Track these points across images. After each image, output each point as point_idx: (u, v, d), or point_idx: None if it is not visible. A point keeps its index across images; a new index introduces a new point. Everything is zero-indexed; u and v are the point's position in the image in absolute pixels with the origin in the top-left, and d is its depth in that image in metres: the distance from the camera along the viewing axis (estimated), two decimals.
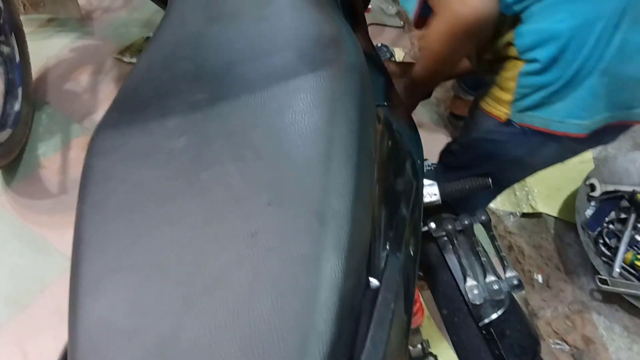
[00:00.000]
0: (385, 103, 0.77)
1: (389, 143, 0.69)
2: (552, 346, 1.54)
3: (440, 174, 1.33)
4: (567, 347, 1.53)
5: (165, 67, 0.67)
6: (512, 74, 0.96)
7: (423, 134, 2.10)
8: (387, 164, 0.63)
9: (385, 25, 2.55)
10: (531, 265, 1.70)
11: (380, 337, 0.44)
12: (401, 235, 0.61)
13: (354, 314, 0.46)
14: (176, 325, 0.44)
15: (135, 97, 0.64)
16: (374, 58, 0.95)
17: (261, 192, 0.51)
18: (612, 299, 1.62)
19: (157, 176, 0.54)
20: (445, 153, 1.32)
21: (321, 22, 0.65)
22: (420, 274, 1.03)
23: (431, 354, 0.98)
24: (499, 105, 1.02)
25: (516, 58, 0.94)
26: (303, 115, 0.54)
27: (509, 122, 1.01)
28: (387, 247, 0.56)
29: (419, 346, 0.95)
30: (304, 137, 0.53)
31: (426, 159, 1.88)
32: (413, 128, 0.84)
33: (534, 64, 0.91)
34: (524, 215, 1.81)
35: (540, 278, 1.67)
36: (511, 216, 1.79)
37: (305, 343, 0.41)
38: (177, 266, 0.47)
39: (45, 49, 2.27)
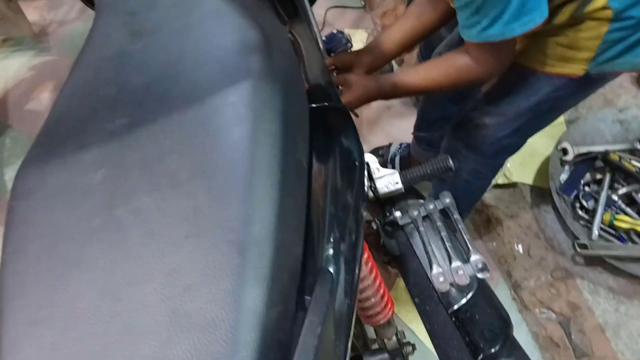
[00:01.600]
0: (326, 103, 0.75)
1: (325, 146, 0.66)
2: (539, 316, 1.54)
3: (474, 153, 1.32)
4: (553, 316, 1.53)
5: (87, 93, 0.64)
6: (595, 33, 0.97)
7: (393, 115, 2.09)
8: (323, 169, 0.61)
9: (345, 7, 2.51)
10: (511, 236, 1.70)
11: None
12: (341, 241, 0.59)
13: (280, 344, 0.44)
14: None
15: (57, 130, 0.61)
16: (315, 54, 0.92)
17: (178, 225, 0.48)
18: (594, 262, 1.61)
19: (74, 217, 0.52)
20: (471, 127, 1.29)
21: (245, 28, 0.62)
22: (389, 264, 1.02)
23: (408, 343, 0.97)
24: (573, 64, 1.03)
25: (603, 19, 0.95)
26: (222, 135, 0.52)
27: (584, 76, 1.03)
28: (323, 258, 0.54)
29: (394, 338, 0.94)
30: (224, 160, 0.51)
31: (392, 143, 1.87)
32: (351, 125, 0.82)
33: (628, 21, 0.94)
34: (499, 186, 1.80)
35: (520, 248, 1.67)
36: None
37: None
38: (93, 315, 0.45)
39: (2, 70, 2.23)
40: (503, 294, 1.60)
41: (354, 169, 0.70)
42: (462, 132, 1.32)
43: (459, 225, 0.87)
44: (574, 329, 1.49)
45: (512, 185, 1.80)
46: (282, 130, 0.53)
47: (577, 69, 1.03)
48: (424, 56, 1.87)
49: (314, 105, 0.69)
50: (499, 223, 1.73)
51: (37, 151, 0.60)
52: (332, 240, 0.57)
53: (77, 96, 0.65)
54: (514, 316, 1.49)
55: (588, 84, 1.08)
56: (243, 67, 0.57)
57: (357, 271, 0.59)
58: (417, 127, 1.72)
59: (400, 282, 1.52)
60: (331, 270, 0.53)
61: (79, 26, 2.41)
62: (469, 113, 1.29)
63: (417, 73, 1.08)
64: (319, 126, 0.65)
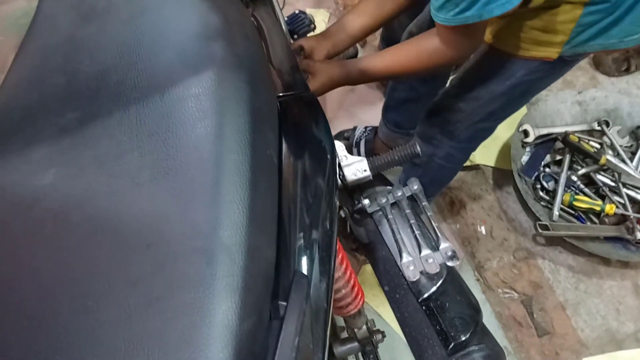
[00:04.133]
0: (292, 92, 0.71)
1: (295, 137, 0.63)
2: (502, 296, 1.56)
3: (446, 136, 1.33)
4: (516, 295, 1.56)
5: (34, 84, 0.58)
6: (570, 16, 0.96)
7: (357, 98, 2.07)
8: (294, 161, 0.58)
9: None
10: (474, 217, 1.71)
11: None
12: (314, 236, 0.56)
13: (257, 356, 0.41)
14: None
15: (2, 123, 0.56)
16: (280, 38, 0.88)
17: (139, 233, 0.44)
18: (554, 242, 1.65)
19: (22, 224, 0.47)
20: (446, 112, 1.29)
21: (205, 11, 0.58)
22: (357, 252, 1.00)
23: (378, 331, 0.97)
24: (547, 47, 1.02)
25: (578, 3, 0.94)
26: (185, 130, 0.48)
27: (558, 58, 1.04)
28: (297, 260, 0.51)
29: (364, 327, 0.93)
30: (188, 159, 0.47)
31: (357, 126, 1.85)
32: (321, 114, 0.79)
33: (602, 4, 0.93)
34: (462, 168, 1.80)
35: (483, 230, 1.69)
36: None
37: None
38: (50, 332, 0.41)
39: None
40: (467, 274, 1.62)
41: (325, 160, 0.67)
42: (436, 118, 1.33)
43: (428, 213, 0.87)
44: (536, 308, 1.52)
45: (475, 168, 1.82)
46: (250, 124, 0.50)
47: (551, 52, 1.03)
48: (386, 39, 1.85)
49: (281, 94, 0.65)
50: (462, 205, 1.74)
51: None
52: (305, 238, 0.54)
53: (22, 87, 0.59)
54: (478, 296, 1.50)
55: (561, 66, 1.09)
56: (205, 55, 0.53)
57: (332, 270, 0.56)
58: (385, 108, 1.70)
59: (367, 267, 1.52)
60: (305, 271, 0.51)
61: (21, 4, 2.28)
62: (444, 99, 1.29)
63: (385, 58, 1.05)
64: (287, 117, 0.62)
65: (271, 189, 0.51)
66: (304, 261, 0.52)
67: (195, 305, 0.40)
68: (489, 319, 1.53)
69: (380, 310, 1.51)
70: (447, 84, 1.40)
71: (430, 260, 0.78)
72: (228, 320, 0.40)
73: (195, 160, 0.47)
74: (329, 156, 0.67)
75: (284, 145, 0.57)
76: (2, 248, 0.47)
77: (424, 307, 0.78)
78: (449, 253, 0.79)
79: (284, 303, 0.45)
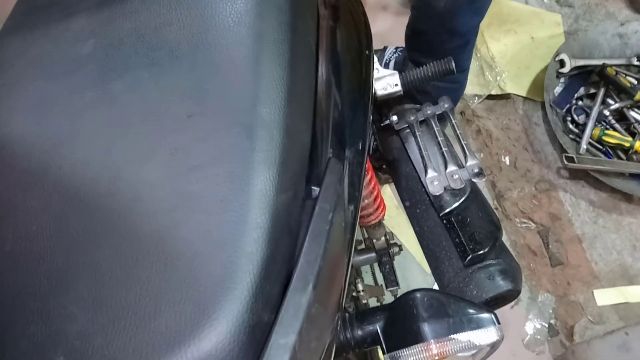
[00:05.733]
0: None
1: (333, 32, 0.62)
2: (519, 225, 1.58)
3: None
4: (533, 225, 1.57)
5: None
6: None
7: (389, 17, 2.01)
8: (331, 56, 0.58)
9: None
10: (499, 147, 1.70)
11: (314, 252, 0.41)
12: (347, 135, 0.57)
13: (290, 230, 0.43)
14: (92, 254, 0.41)
15: None
16: None
17: (180, 102, 0.45)
18: (578, 175, 1.64)
19: (63, 89, 0.48)
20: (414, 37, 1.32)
21: None
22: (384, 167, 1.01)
23: (395, 244, 0.99)
24: None
25: None
26: (225, 5, 0.47)
27: None
28: (330, 150, 0.52)
29: (383, 239, 0.95)
30: (227, 34, 0.47)
31: (387, 47, 1.81)
32: (361, 13, 0.77)
33: None
34: (492, 97, 1.77)
35: (507, 160, 1.67)
36: (476, 98, 1.75)
37: (233, 265, 0.38)
38: (92, 191, 0.43)
39: None
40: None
41: (362, 58, 0.66)
42: (412, 41, 1.37)
43: (458, 131, 0.86)
44: (552, 239, 1.54)
45: (506, 97, 1.78)
46: (291, 5, 0.49)
47: None
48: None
49: None
50: (489, 134, 1.72)
51: (17, 20, 0.55)
52: (339, 132, 0.54)
53: None
54: None
55: None
56: None
57: (363, 165, 0.57)
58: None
59: (386, 189, 1.53)
60: (338, 162, 0.52)
61: None
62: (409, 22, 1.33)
63: None
64: (325, 8, 0.61)
65: (309, 75, 0.51)
66: (338, 153, 0.53)
67: (235, 174, 0.42)
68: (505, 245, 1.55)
69: (395, 231, 1.53)
70: None
71: (456, 176, 0.79)
72: (266, 190, 0.41)
73: (235, 36, 0.47)
74: (367, 52, 0.67)
75: (322, 38, 0.56)
76: (43, 112, 0.48)
77: (444, 221, 0.79)
78: (476, 170, 0.80)
79: (318, 189, 0.46)
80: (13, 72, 0.52)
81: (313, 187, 0.47)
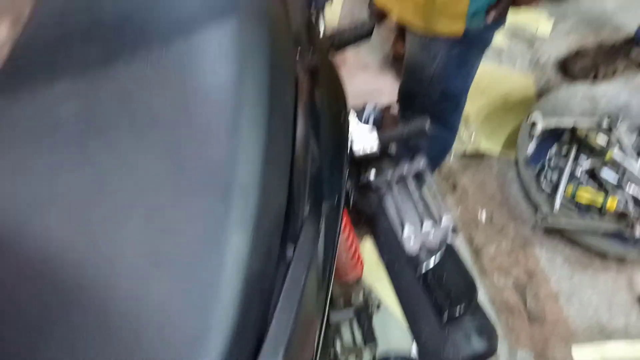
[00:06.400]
0: (310, 50, 0.72)
1: (311, 94, 0.65)
2: (496, 281, 1.58)
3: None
4: (511, 282, 1.58)
5: (57, 22, 0.59)
6: None
7: (368, 76, 2.07)
8: (309, 118, 0.60)
9: None
10: (475, 203, 1.73)
11: (286, 317, 0.42)
12: (323, 193, 0.58)
13: (263, 292, 0.44)
14: (64, 313, 0.40)
15: (25, 57, 0.57)
16: (300, 3, 0.89)
17: (159, 164, 0.46)
18: (553, 232, 1.66)
19: (44, 149, 0.49)
20: (408, 98, 1.37)
21: None
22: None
23: (374, 301, 0.99)
24: (451, 22, 1.05)
25: None
26: (207, 74, 0.49)
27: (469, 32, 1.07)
28: (307, 208, 0.53)
29: (361, 295, 0.95)
30: (208, 100, 0.48)
31: (366, 103, 1.86)
32: (338, 77, 0.80)
33: None
34: (467, 154, 1.82)
35: (484, 216, 1.70)
36: (452, 155, 1.79)
37: (205, 330, 0.38)
38: (68, 254, 0.43)
39: None
40: (463, 258, 1.63)
41: (339, 118, 0.68)
42: (404, 103, 1.40)
43: (432, 188, 0.88)
44: (530, 295, 1.55)
45: (480, 155, 1.83)
46: (270, 72, 0.51)
47: (457, 28, 1.06)
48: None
49: (299, 54, 0.67)
50: (465, 190, 1.75)
51: (2, 81, 0.56)
52: (315, 193, 0.56)
53: (46, 24, 0.60)
54: None
55: (477, 40, 1.13)
56: (229, 2, 0.54)
57: (339, 226, 0.58)
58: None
59: (366, 243, 1.53)
60: (313, 223, 0.52)
61: None
62: (402, 85, 1.38)
63: None
64: (304, 75, 0.63)
65: (286, 137, 0.52)
66: (313, 212, 0.54)
67: (209, 236, 0.42)
68: (482, 303, 1.55)
69: (376, 285, 1.53)
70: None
71: (431, 234, 0.80)
72: (239, 252, 0.42)
73: (215, 100, 0.49)
74: (342, 117, 0.69)
75: (300, 103, 0.58)
76: (23, 173, 0.48)
77: (421, 280, 0.80)
78: (450, 228, 0.81)
79: (292, 248, 0.47)
80: None
81: (288, 247, 0.47)
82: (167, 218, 0.44)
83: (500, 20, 1.09)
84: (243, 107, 0.48)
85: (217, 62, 0.51)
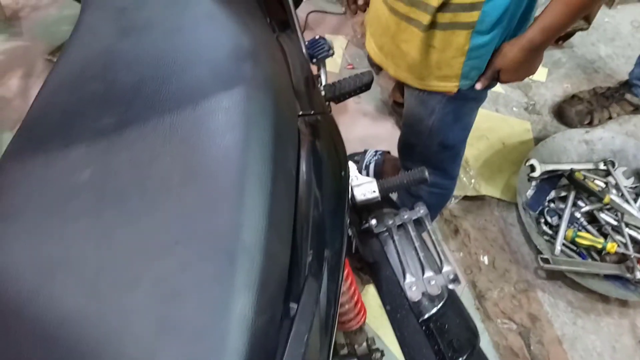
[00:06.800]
0: (312, 112, 0.76)
1: (313, 154, 0.67)
2: (500, 326, 1.58)
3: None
4: (514, 326, 1.58)
5: (73, 89, 0.63)
6: (460, 51, 1.01)
7: (368, 122, 2.12)
8: (310, 177, 0.62)
9: (325, 12, 2.53)
10: (477, 247, 1.74)
11: None
12: (325, 248, 0.60)
13: (267, 352, 0.45)
14: None
15: (40, 124, 0.60)
16: (301, 61, 0.93)
17: (168, 231, 0.48)
18: (555, 275, 1.67)
19: (59, 216, 0.51)
20: (407, 148, 1.42)
21: (238, 33, 0.63)
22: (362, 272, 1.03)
23: (377, 349, 0.99)
24: (446, 82, 1.08)
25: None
26: (214, 140, 0.52)
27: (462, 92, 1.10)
28: (308, 267, 0.55)
29: (365, 344, 0.95)
30: (215, 166, 0.51)
31: (367, 150, 1.89)
32: (337, 134, 0.84)
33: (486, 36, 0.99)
34: (467, 198, 1.84)
35: (486, 260, 1.71)
36: (453, 199, 1.81)
37: None
38: (79, 317, 0.45)
39: None
40: (467, 303, 1.64)
41: (339, 178, 0.71)
42: (404, 153, 1.45)
43: (433, 236, 0.90)
44: (533, 340, 1.54)
45: (481, 198, 1.85)
46: (274, 139, 0.54)
47: (450, 87, 1.09)
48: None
49: (301, 113, 0.70)
50: (467, 234, 1.77)
51: (19, 145, 0.59)
52: (316, 249, 0.57)
53: (62, 92, 0.64)
54: (477, 325, 1.53)
55: (471, 97, 1.15)
56: (236, 73, 0.58)
57: (340, 280, 0.60)
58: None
59: (370, 289, 1.54)
60: (316, 278, 0.54)
61: (52, 12, 2.36)
62: (401, 136, 1.42)
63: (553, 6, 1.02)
64: (306, 134, 0.66)
65: (289, 200, 0.55)
66: (315, 269, 0.55)
67: (216, 300, 0.44)
68: (486, 348, 1.55)
69: (380, 332, 1.53)
70: None
71: (433, 282, 0.81)
72: (245, 314, 0.43)
73: (222, 168, 0.51)
74: (342, 173, 0.71)
75: (302, 162, 0.61)
76: (39, 239, 0.50)
77: (423, 328, 0.80)
78: (451, 276, 0.82)
79: (295, 305, 0.48)
80: (11, 199, 0.54)
81: (291, 304, 0.49)
82: (175, 284, 0.46)
83: (490, 85, 1.12)
84: (248, 174, 0.51)
85: (224, 131, 0.53)
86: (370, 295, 1.53)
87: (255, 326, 0.43)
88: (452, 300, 0.82)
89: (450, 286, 0.82)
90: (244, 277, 0.45)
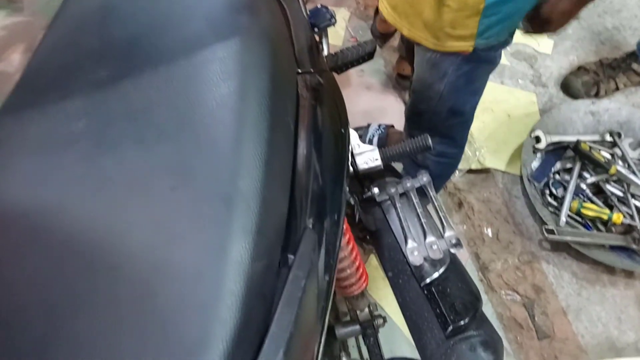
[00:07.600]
0: (311, 69, 0.75)
1: (312, 112, 0.67)
2: (504, 297, 1.58)
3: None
4: (518, 298, 1.58)
5: (69, 44, 0.63)
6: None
7: (372, 96, 2.10)
8: (309, 134, 0.62)
9: None
10: (481, 220, 1.73)
11: (286, 318, 0.43)
12: (323, 206, 0.59)
13: (264, 297, 0.45)
14: (72, 322, 0.42)
15: (37, 79, 0.60)
16: (302, 21, 0.91)
17: (164, 177, 0.48)
18: (560, 247, 1.66)
19: (56, 165, 0.51)
20: (416, 115, 1.39)
21: None
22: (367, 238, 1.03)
23: (379, 316, 0.99)
24: (460, 41, 1.07)
25: None
26: (210, 89, 0.52)
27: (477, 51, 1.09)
28: (307, 220, 0.55)
29: (366, 310, 0.95)
30: (211, 114, 0.51)
31: (370, 123, 1.88)
32: (339, 95, 0.83)
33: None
34: (472, 171, 1.83)
35: (489, 232, 1.70)
36: (457, 172, 1.80)
37: (208, 332, 0.40)
38: (75, 263, 0.45)
39: None
40: (470, 275, 1.63)
41: (339, 136, 0.70)
42: (413, 122, 1.44)
43: (435, 203, 0.89)
44: (538, 311, 1.54)
45: (485, 171, 1.84)
46: (271, 89, 0.54)
47: (466, 46, 1.08)
48: (406, 41, 1.87)
49: (300, 70, 0.69)
50: (470, 207, 1.76)
51: (15, 100, 0.59)
52: (315, 203, 0.57)
53: (58, 48, 0.64)
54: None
55: (485, 57, 1.14)
56: (232, 24, 0.57)
57: (339, 235, 0.60)
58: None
59: (372, 260, 1.54)
60: (315, 230, 0.54)
61: None
62: (410, 104, 1.39)
63: None
64: (305, 91, 0.65)
65: (287, 151, 0.54)
66: (314, 222, 0.55)
67: (212, 243, 0.44)
68: (490, 319, 1.54)
69: (383, 302, 1.53)
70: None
71: (435, 247, 0.81)
72: (241, 258, 0.43)
73: (218, 116, 0.51)
74: (342, 132, 0.71)
75: (301, 117, 0.60)
76: (36, 186, 0.50)
77: (425, 292, 0.80)
78: (453, 240, 0.82)
79: (293, 256, 0.48)
80: (9, 149, 0.54)
81: (289, 255, 0.49)
82: (173, 227, 0.46)
83: (507, 41, 1.10)
84: (245, 121, 0.51)
85: (220, 80, 0.53)
86: (373, 267, 1.54)
87: (252, 270, 0.44)
88: (454, 264, 0.82)
89: (453, 250, 0.82)
90: (241, 222, 0.45)
